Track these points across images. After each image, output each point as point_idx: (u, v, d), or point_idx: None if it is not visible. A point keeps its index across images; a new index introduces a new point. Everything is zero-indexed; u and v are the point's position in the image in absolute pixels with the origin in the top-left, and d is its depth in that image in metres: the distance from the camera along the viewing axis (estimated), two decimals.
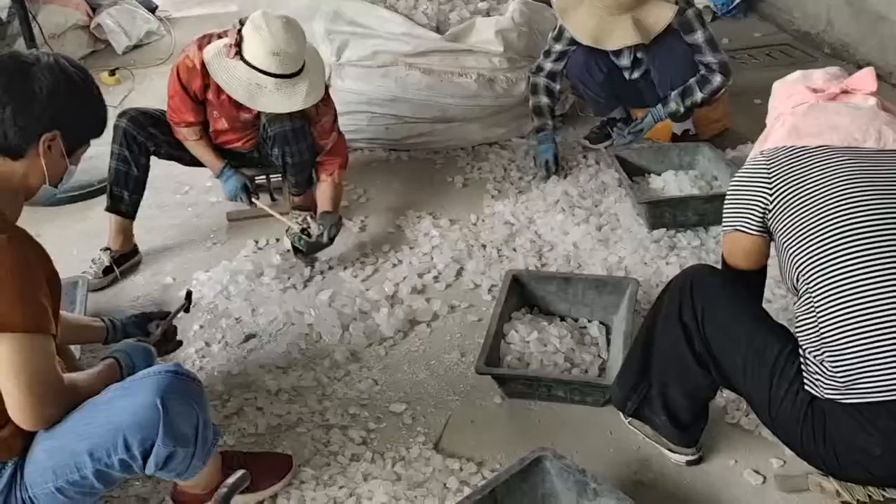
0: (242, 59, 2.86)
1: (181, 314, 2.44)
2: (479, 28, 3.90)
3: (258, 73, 2.85)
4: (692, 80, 3.53)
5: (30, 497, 1.78)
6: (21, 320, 1.66)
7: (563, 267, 3.07)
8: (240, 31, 2.88)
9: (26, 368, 1.67)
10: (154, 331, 2.33)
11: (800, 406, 1.78)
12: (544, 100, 3.81)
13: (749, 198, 1.95)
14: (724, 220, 2.03)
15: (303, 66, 2.92)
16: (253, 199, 3.27)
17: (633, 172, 3.57)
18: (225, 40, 2.91)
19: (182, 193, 3.79)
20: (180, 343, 2.46)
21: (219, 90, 2.99)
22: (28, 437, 1.78)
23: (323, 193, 3.23)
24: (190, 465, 1.85)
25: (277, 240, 3.33)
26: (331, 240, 3.10)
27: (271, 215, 3.24)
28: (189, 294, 2.51)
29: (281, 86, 2.87)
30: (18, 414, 1.70)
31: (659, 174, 3.57)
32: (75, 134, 1.91)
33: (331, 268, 3.16)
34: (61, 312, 1.86)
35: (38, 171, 1.85)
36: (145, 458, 1.76)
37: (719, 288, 1.97)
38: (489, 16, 4.07)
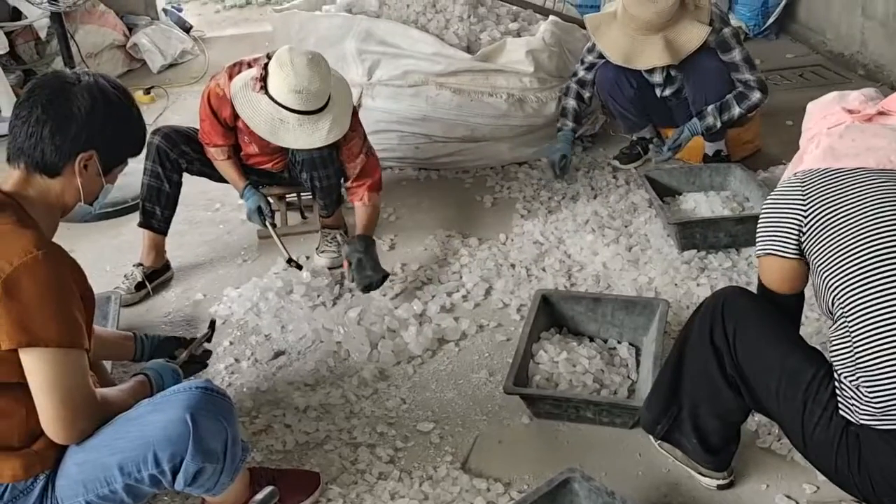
0: (267, 93, 2.87)
1: (204, 343, 2.48)
2: (510, 48, 3.91)
3: (281, 109, 2.86)
4: (730, 96, 3.51)
5: None
6: (56, 335, 1.68)
7: (592, 287, 3.05)
8: (266, 65, 2.90)
9: (61, 383, 1.69)
10: (179, 356, 2.36)
11: (834, 431, 1.75)
12: (571, 102, 3.85)
13: (783, 220, 1.91)
14: (757, 243, 1.98)
15: (327, 102, 2.92)
16: (267, 223, 3.25)
17: (664, 193, 3.55)
18: (252, 72, 2.93)
19: (213, 210, 3.83)
20: (205, 365, 2.51)
21: None
22: (60, 451, 1.79)
23: (356, 217, 3.21)
24: (218, 481, 1.85)
25: (307, 257, 3.35)
26: (379, 274, 3.00)
27: (301, 224, 3.32)
28: (213, 323, 2.54)
29: (303, 122, 2.88)
30: (52, 427, 1.72)
31: (689, 195, 3.54)
32: (112, 153, 1.93)
33: None
34: (94, 327, 1.88)
35: (74, 188, 1.87)
36: (175, 473, 1.77)
37: (751, 310, 1.95)
38: (520, 36, 4.09)
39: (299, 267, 3.18)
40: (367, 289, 2.99)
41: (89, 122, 1.84)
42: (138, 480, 1.76)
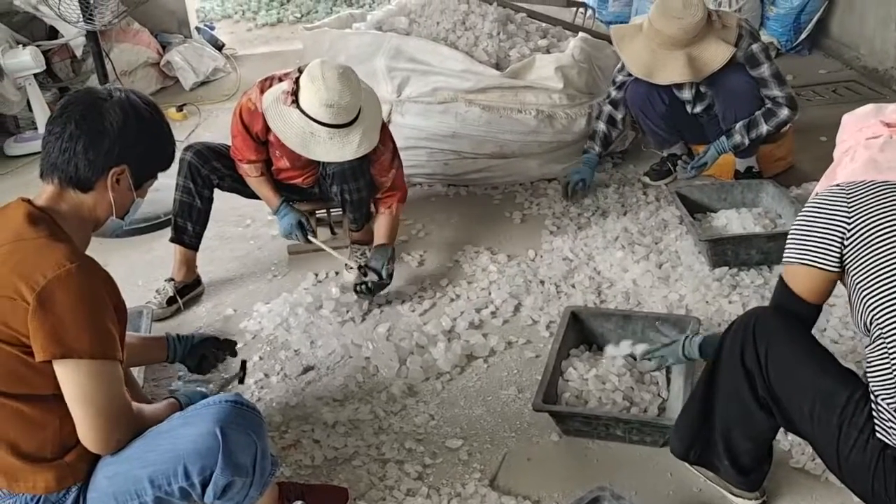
0: (298, 107, 2.90)
1: (235, 383, 2.50)
2: (539, 65, 3.92)
3: (312, 122, 2.88)
4: (758, 113, 3.49)
5: None
6: (89, 347, 1.70)
7: (622, 304, 3.03)
8: (297, 79, 2.93)
9: (96, 393, 1.71)
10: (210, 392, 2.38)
11: (871, 454, 1.71)
12: (601, 126, 3.87)
13: (825, 230, 1.84)
14: (790, 250, 1.90)
15: (358, 115, 2.94)
16: (309, 237, 3.29)
17: (695, 209, 3.52)
18: (283, 86, 2.96)
19: (244, 226, 3.86)
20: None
21: None
22: (91, 463, 1.81)
23: (380, 226, 3.26)
24: (248, 494, 1.85)
25: (337, 273, 3.36)
26: (389, 276, 3.12)
27: (330, 240, 3.31)
28: (244, 364, 2.55)
29: (334, 135, 2.90)
30: (89, 437, 1.74)
31: (721, 212, 3.51)
32: (143, 168, 1.96)
33: (389, 302, 3.17)
34: (127, 333, 1.90)
35: (106, 203, 1.90)
36: (204, 486, 1.77)
37: (783, 330, 1.90)
38: (549, 52, 4.09)
39: (364, 272, 3.15)
40: (377, 289, 3.10)
41: (121, 137, 1.87)
42: (168, 493, 1.76)
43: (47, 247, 1.73)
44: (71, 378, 1.70)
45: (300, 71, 2.96)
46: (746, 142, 3.52)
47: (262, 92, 3.04)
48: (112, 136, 1.86)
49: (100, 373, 1.72)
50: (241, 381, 2.53)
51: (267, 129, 3.08)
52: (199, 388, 2.19)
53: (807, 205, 1.94)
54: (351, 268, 3.19)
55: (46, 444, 1.76)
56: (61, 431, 1.76)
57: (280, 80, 3.04)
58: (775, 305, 1.98)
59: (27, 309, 1.66)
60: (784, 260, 1.93)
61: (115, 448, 1.77)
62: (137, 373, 2.52)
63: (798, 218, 1.93)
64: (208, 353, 2.45)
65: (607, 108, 3.86)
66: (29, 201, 1.84)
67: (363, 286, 3.09)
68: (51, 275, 1.68)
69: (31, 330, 1.67)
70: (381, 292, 3.15)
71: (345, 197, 3.21)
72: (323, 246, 3.28)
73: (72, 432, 1.75)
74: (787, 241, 1.93)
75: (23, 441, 1.74)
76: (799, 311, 1.93)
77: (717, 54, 3.41)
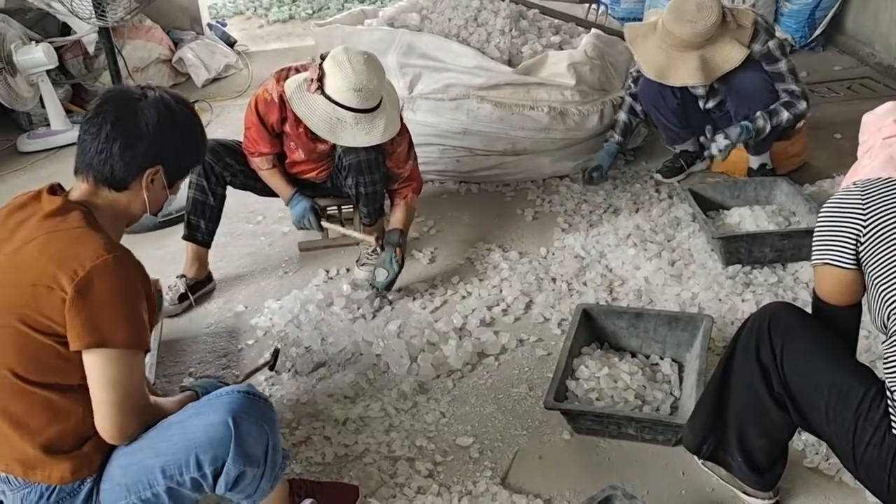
0: (323, 93, 2.90)
1: (265, 370, 2.53)
2: (552, 61, 3.90)
3: (339, 108, 2.88)
4: (777, 103, 3.47)
5: None
6: (125, 337, 1.73)
7: (634, 302, 3.02)
8: (321, 65, 2.93)
9: (121, 382, 1.73)
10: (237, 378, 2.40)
11: (887, 452, 1.70)
12: (622, 115, 3.93)
13: (841, 229, 1.85)
14: (813, 252, 1.92)
15: (381, 101, 2.95)
16: (322, 223, 3.30)
17: (707, 207, 3.51)
18: (305, 74, 2.96)
19: (255, 223, 3.86)
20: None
21: (296, 122, 3.04)
22: (106, 455, 1.82)
23: (394, 214, 3.27)
24: (259, 486, 1.86)
25: (348, 270, 3.36)
26: (399, 265, 3.13)
27: (341, 236, 3.34)
28: (276, 352, 2.56)
29: (360, 120, 2.91)
30: (106, 423, 1.75)
31: (734, 209, 3.49)
32: (177, 166, 1.99)
33: (400, 298, 3.17)
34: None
35: (141, 201, 1.93)
36: (216, 477, 1.78)
37: (798, 326, 1.90)
38: (561, 49, 4.07)
39: (382, 248, 3.20)
40: (390, 283, 3.11)
41: (157, 138, 1.89)
42: (180, 484, 1.77)
43: (85, 237, 1.76)
44: (100, 366, 1.72)
45: (322, 58, 2.95)
46: (769, 127, 3.47)
47: (278, 82, 3.04)
48: (147, 137, 1.88)
49: (129, 363, 1.75)
50: (272, 368, 2.54)
51: (282, 120, 3.08)
52: (215, 380, 2.19)
53: (824, 205, 1.95)
54: (377, 242, 3.22)
55: (68, 433, 1.77)
56: (84, 422, 1.77)
57: (297, 70, 3.04)
58: (813, 309, 1.98)
59: (64, 298, 1.69)
60: (811, 264, 1.94)
61: (128, 439, 1.78)
62: (148, 370, 2.52)
63: (817, 220, 1.95)
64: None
65: (628, 100, 3.89)
66: (63, 192, 1.87)
67: (375, 280, 3.11)
68: (89, 265, 1.70)
69: (67, 319, 1.69)
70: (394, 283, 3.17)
71: (360, 190, 3.20)
72: (337, 228, 3.29)
73: (93, 423, 1.77)
74: (812, 244, 1.94)
75: (46, 430, 1.75)
76: (830, 315, 1.93)
77: (730, 56, 3.39)
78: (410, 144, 3.25)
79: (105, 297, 1.70)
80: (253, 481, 1.83)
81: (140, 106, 1.89)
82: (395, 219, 3.26)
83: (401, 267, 3.14)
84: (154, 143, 1.88)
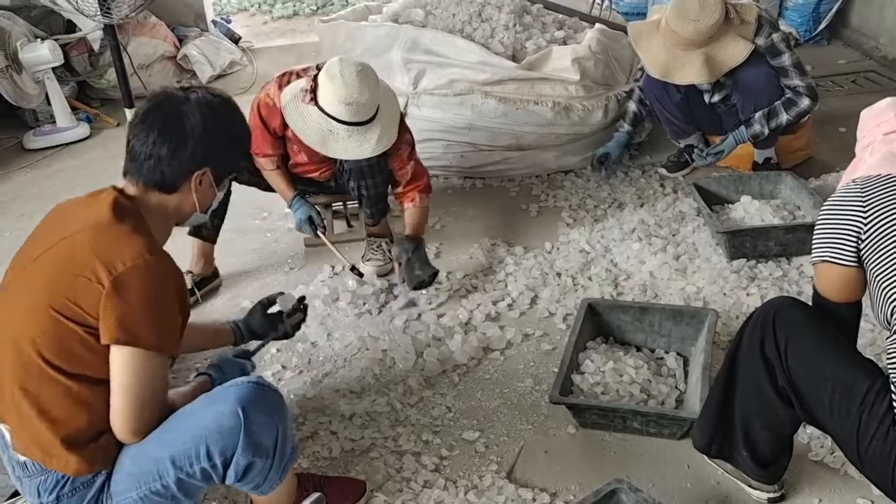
0: (317, 104, 2.90)
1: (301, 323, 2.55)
2: (556, 56, 3.90)
3: (331, 121, 2.89)
4: (777, 102, 3.46)
5: None
6: (156, 339, 1.76)
7: (639, 297, 3.03)
8: (315, 76, 2.93)
9: (142, 384, 1.76)
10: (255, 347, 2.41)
11: (891, 446, 1.70)
12: (632, 106, 3.95)
13: (841, 226, 1.86)
14: (813, 249, 1.93)
15: (376, 112, 2.94)
16: (318, 233, 3.29)
17: (712, 201, 3.50)
18: (302, 83, 2.96)
19: (261, 219, 3.87)
20: (303, 318, 2.56)
21: None
22: (119, 449, 1.84)
23: (407, 218, 3.23)
24: (267, 477, 1.88)
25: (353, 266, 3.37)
26: (432, 277, 3.09)
27: (346, 233, 3.33)
28: (302, 300, 2.56)
29: (353, 133, 2.90)
30: (120, 421, 1.78)
31: (739, 203, 3.49)
32: (224, 166, 2.03)
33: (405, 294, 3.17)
34: (190, 321, 1.98)
35: (190, 202, 1.97)
36: (226, 467, 1.80)
37: (803, 321, 1.90)
38: (565, 44, 4.07)
39: (360, 274, 3.20)
40: (418, 286, 3.04)
41: (203, 141, 1.92)
42: (190, 475, 1.79)
43: (129, 236, 1.80)
44: (125, 364, 1.74)
45: (318, 68, 2.96)
46: (766, 131, 3.49)
47: (279, 87, 3.04)
48: (195, 139, 1.91)
49: (153, 366, 1.77)
50: (303, 320, 2.55)
51: (284, 125, 3.08)
52: (238, 360, 2.18)
53: (825, 203, 1.96)
54: (352, 271, 3.20)
55: (86, 426, 1.79)
56: (103, 416, 1.79)
57: (298, 75, 3.04)
58: (813, 306, 1.98)
59: (101, 292, 1.72)
60: (811, 262, 1.95)
61: (138, 439, 1.80)
62: None
63: (818, 217, 1.96)
64: (276, 319, 2.47)
65: (638, 91, 3.89)
66: (121, 190, 1.91)
67: (416, 281, 3.06)
68: (129, 263, 1.74)
69: (101, 312, 1.72)
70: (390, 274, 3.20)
71: (362, 192, 3.21)
72: (328, 244, 3.27)
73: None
74: (812, 242, 1.94)
75: (69, 423, 1.77)
76: (830, 312, 1.93)
77: (734, 53, 3.38)
78: (412, 145, 3.22)
79: (140, 297, 1.74)
80: (262, 472, 1.85)
81: (184, 109, 1.91)
82: (407, 224, 3.21)
83: (428, 272, 3.08)
84: (200, 146, 1.91)
